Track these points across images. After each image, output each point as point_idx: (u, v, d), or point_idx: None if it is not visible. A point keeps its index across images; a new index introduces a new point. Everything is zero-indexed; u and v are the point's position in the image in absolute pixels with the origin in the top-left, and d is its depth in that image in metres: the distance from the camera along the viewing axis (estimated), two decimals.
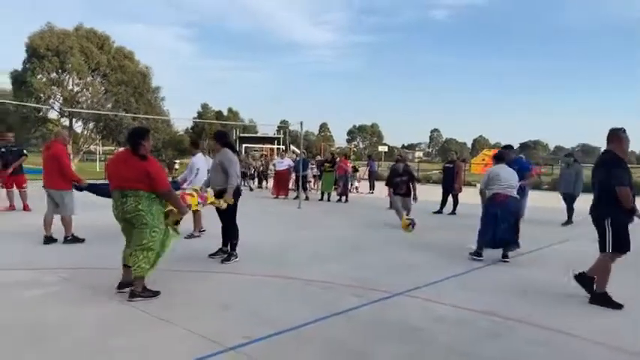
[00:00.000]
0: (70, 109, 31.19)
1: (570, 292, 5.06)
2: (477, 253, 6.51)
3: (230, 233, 6.06)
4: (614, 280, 5.62)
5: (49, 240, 6.74)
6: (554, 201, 11.09)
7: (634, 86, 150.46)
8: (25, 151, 10.71)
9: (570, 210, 10.49)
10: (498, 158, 7.06)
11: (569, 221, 10.41)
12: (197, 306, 4.22)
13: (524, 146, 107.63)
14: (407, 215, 8.95)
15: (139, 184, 4.24)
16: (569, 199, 10.53)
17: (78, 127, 36.55)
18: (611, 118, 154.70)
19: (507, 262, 6.38)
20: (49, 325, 3.67)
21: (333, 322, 3.92)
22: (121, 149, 5.81)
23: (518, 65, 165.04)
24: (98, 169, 29.51)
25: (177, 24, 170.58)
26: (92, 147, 40.43)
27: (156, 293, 4.37)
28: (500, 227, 6.33)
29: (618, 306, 4.48)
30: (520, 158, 8.73)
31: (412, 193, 9.28)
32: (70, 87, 34.75)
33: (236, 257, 5.99)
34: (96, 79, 36.02)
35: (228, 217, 5.98)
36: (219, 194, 5.80)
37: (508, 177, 6.57)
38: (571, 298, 4.82)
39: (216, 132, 6.51)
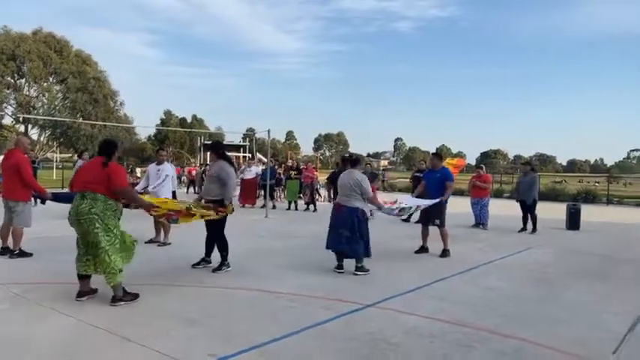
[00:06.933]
0: (24, 115, 30.03)
1: (535, 301, 5.15)
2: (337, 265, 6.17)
3: (219, 245, 5.96)
4: (579, 287, 5.78)
5: (4, 251, 6.56)
6: (515, 209, 11.34)
7: (588, 98, 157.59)
8: None
9: (525, 217, 10.77)
10: (351, 163, 6.38)
11: (524, 228, 10.72)
12: (161, 322, 4.03)
13: (485, 155, 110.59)
14: None
15: (98, 185, 4.40)
16: (524, 207, 10.81)
17: (34, 133, 35.21)
18: (566, 129, 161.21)
19: (357, 275, 5.98)
20: (5, 344, 3.44)
21: (303, 337, 3.82)
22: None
23: (479, 76, 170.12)
24: (55, 177, 28.40)
25: (143, 30, 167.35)
26: (49, 154, 38.98)
27: (136, 296, 4.54)
28: (331, 236, 6.14)
29: None
30: (446, 168, 7.90)
31: None
32: (26, 91, 33.50)
33: (228, 267, 5.93)
34: (53, 85, 34.85)
35: (216, 229, 5.89)
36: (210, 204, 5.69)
37: (344, 185, 6.09)
38: (537, 308, 4.88)
39: (214, 142, 6.40)
